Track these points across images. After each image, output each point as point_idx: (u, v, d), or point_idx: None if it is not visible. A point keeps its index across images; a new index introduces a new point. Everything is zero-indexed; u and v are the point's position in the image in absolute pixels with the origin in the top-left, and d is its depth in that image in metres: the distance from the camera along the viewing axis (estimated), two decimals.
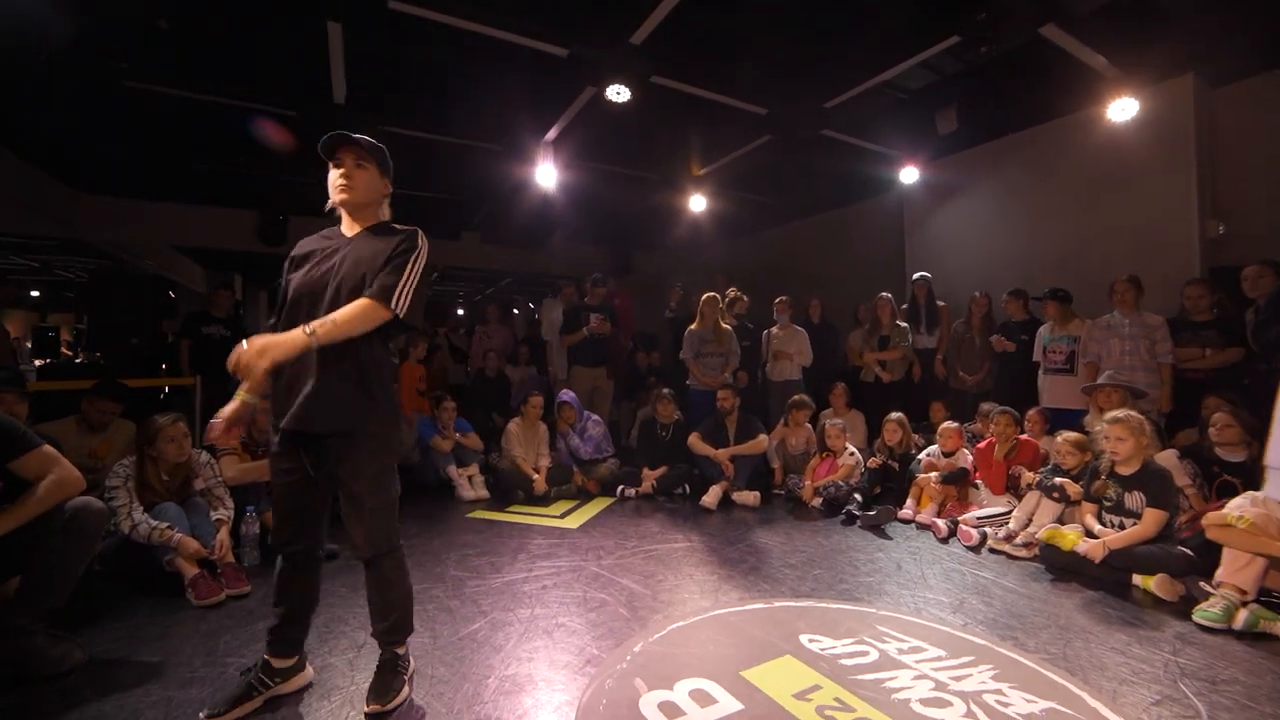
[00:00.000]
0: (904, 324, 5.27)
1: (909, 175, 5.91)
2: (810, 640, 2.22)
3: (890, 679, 1.96)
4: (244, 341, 1.56)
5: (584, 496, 4.62)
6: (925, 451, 4.17)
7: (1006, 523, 3.40)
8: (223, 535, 2.83)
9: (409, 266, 1.73)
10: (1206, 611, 2.38)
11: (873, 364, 5.24)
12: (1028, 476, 3.56)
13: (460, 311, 14.10)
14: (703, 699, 1.83)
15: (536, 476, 4.52)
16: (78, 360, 7.94)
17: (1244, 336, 3.77)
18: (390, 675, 1.81)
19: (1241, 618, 2.31)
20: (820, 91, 4.63)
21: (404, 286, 1.71)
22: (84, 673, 2.01)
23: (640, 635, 2.27)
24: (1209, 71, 4.51)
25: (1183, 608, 2.53)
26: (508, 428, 4.77)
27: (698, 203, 6.49)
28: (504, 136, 5.40)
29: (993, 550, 3.29)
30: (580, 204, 6.94)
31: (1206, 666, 2.07)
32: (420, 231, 1.83)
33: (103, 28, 3.64)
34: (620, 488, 4.62)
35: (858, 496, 3.98)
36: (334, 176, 1.81)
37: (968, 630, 2.33)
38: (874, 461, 4.36)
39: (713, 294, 5.13)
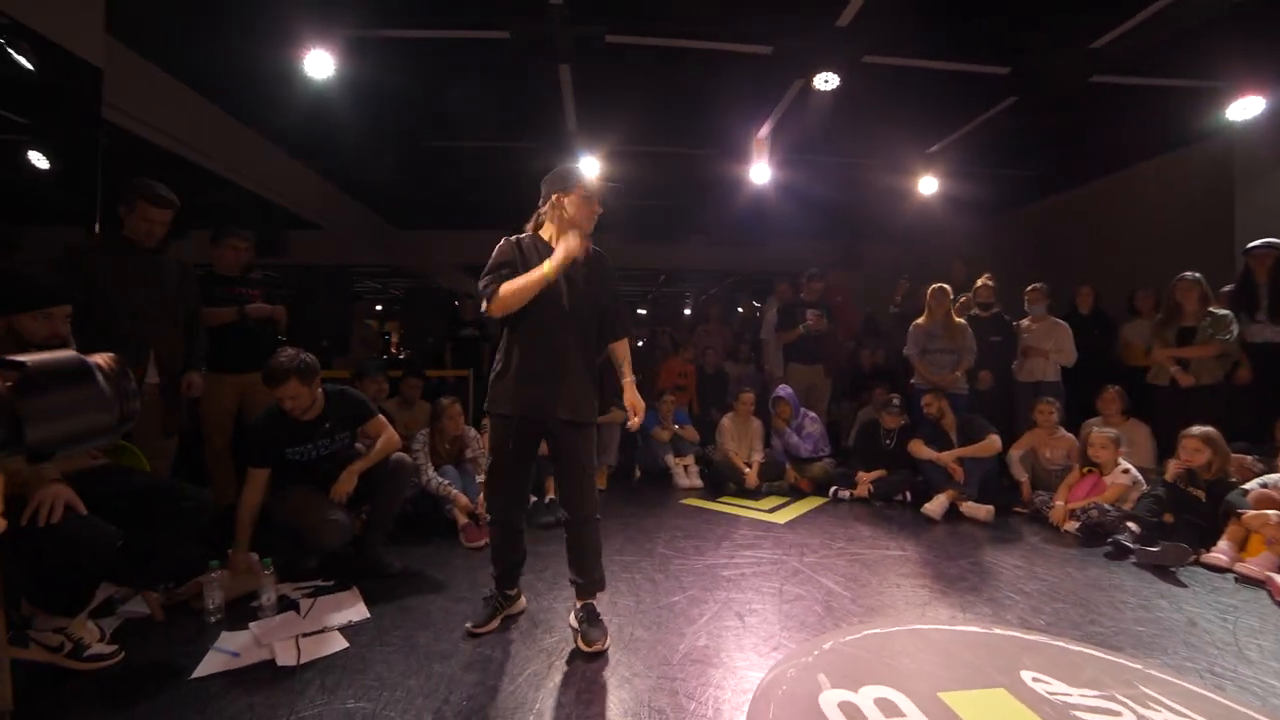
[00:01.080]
0: (1223, 311, 4.03)
1: (1245, 109, 4.28)
2: (1035, 679, 1.93)
3: None
4: (633, 412, 2.22)
5: (795, 494, 4.58)
6: (1257, 481, 3.15)
7: None
8: (483, 496, 3.51)
9: (624, 304, 2.32)
10: None
11: (1167, 363, 4.12)
12: None
13: (686, 311, 14.86)
14: (889, 709, 1.74)
15: (748, 470, 4.61)
16: (400, 356, 10.57)
17: None
18: (597, 622, 2.14)
19: None
20: (1084, 30, 3.81)
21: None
22: (400, 577, 2.80)
23: (832, 634, 2.23)
24: None
25: None
26: (721, 422, 4.95)
27: (928, 185, 5.87)
28: (716, 140, 5.59)
29: None
30: (798, 198, 6.79)
31: None
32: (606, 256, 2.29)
33: (408, 102, 4.83)
34: (833, 488, 4.47)
35: (1133, 526, 3.22)
36: (580, 203, 2.18)
37: None
38: (1176, 466, 3.36)
39: (940, 285, 4.62)
